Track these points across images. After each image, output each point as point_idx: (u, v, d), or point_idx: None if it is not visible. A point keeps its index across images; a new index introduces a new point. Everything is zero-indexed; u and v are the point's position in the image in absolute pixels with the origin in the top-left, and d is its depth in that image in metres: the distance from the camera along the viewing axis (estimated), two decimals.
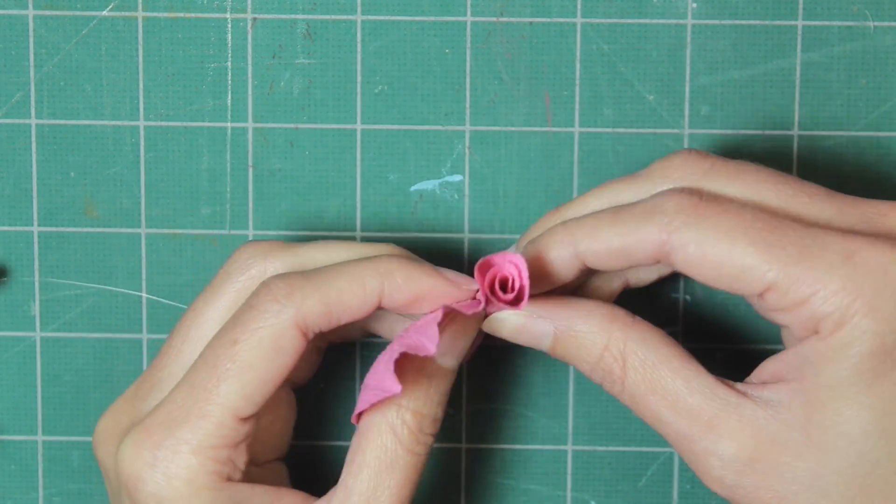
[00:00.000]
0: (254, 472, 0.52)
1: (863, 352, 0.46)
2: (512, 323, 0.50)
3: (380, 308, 0.49)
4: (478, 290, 0.50)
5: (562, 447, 0.58)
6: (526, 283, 0.48)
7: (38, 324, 0.58)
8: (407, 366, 0.49)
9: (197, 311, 0.51)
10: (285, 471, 0.55)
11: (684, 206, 0.47)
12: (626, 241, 0.48)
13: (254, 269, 0.51)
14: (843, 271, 0.46)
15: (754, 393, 0.48)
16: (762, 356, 0.55)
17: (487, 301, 0.49)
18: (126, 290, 0.58)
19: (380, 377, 0.48)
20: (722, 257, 0.47)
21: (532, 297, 0.50)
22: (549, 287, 0.50)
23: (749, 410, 0.48)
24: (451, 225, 0.57)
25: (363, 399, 0.48)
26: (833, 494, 0.47)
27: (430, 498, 0.58)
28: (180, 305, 0.58)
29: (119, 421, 0.52)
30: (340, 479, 0.49)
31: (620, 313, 0.50)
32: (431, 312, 0.49)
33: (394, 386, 0.47)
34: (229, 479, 0.49)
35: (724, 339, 0.58)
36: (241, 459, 0.49)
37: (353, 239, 0.57)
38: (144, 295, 0.58)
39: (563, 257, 0.49)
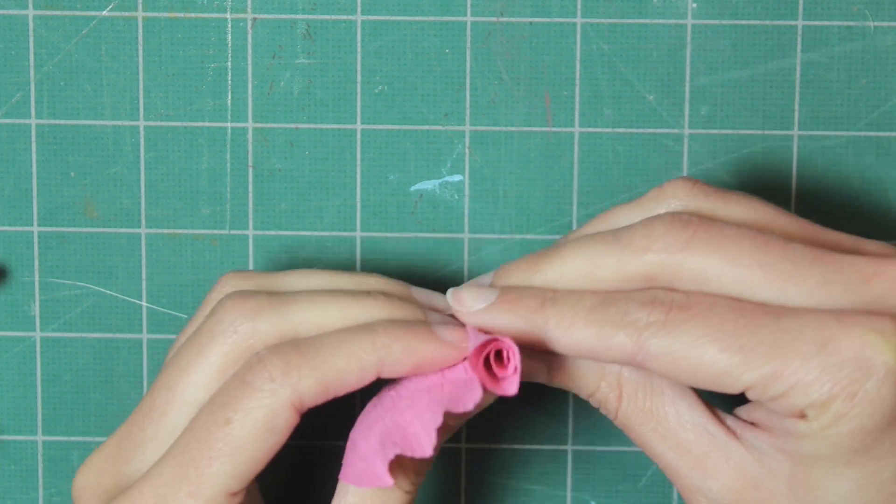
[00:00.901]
0: None
1: (842, 433, 0.46)
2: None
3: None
4: (467, 358, 0.49)
5: (562, 447, 0.58)
6: (519, 368, 0.47)
7: (38, 324, 0.58)
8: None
9: (181, 370, 0.50)
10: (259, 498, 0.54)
11: (654, 318, 0.47)
12: (596, 347, 0.48)
13: (241, 331, 0.49)
14: (818, 361, 0.45)
15: (744, 434, 0.48)
16: None
17: (483, 379, 0.48)
18: (126, 291, 0.58)
19: (371, 458, 0.47)
20: (694, 367, 0.46)
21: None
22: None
23: (737, 452, 0.48)
24: (451, 225, 0.57)
25: (349, 467, 0.48)
26: None
27: (431, 498, 0.58)
28: (180, 312, 0.58)
29: (102, 481, 0.50)
30: None
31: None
32: (461, 365, 0.48)
33: (385, 478, 0.46)
34: None
35: None
36: None
37: (352, 239, 0.57)
38: (144, 295, 0.58)
39: (531, 333, 0.49)
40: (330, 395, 0.48)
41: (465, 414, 0.49)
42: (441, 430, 0.48)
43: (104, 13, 0.57)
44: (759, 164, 0.57)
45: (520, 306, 0.49)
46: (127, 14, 0.57)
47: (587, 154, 0.57)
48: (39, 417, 0.58)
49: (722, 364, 0.46)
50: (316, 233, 0.57)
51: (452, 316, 0.50)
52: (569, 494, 0.58)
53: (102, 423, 0.58)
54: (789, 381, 0.46)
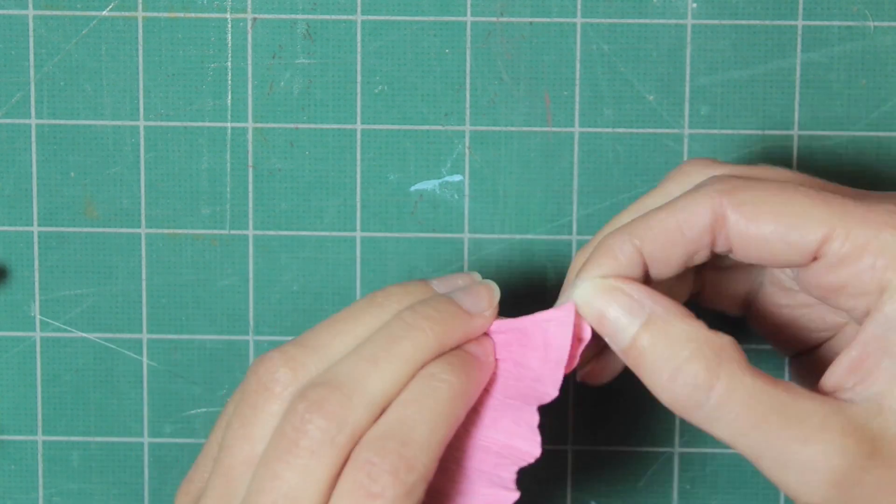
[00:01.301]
0: None
1: None
2: (599, 306, 0.47)
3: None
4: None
5: (562, 447, 0.58)
6: (587, 336, 0.46)
7: (38, 324, 0.58)
8: None
9: (286, 494, 0.45)
10: None
11: (729, 178, 0.46)
12: (680, 221, 0.46)
13: (340, 437, 0.45)
14: None
15: (847, 397, 0.45)
16: (762, 356, 0.55)
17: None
18: (126, 291, 0.58)
19: (490, 486, 0.46)
20: (778, 213, 0.45)
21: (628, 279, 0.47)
22: None
23: (854, 411, 0.45)
24: (451, 225, 0.57)
25: None
26: None
27: None
28: (180, 312, 0.58)
29: None
30: None
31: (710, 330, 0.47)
32: (528, 355, 0.47)
33: (512, 496, 0.45)
34: None
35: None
36: None
37: (352, 239, 0.57)
38: (144, 295, 0.58)
39: (624, 253, 0.47)
40: (440, 457, 0.46)
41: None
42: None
43: (104, 13, 0.57)
44: (759, 164, 0.57)
45: (603, 247, 0.47)
46: (127, 14, 0.57)
47: (587, 154, 0.57)
48: (39, 417, 0.58)
49: (806, 210, 0.45)
50: (316, 233, 0.57)
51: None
52: (569, 494, 0.58)
53: (102, 423, 0.58)
54: (875, 225, 0.44)
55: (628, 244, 0.46)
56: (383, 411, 0.46)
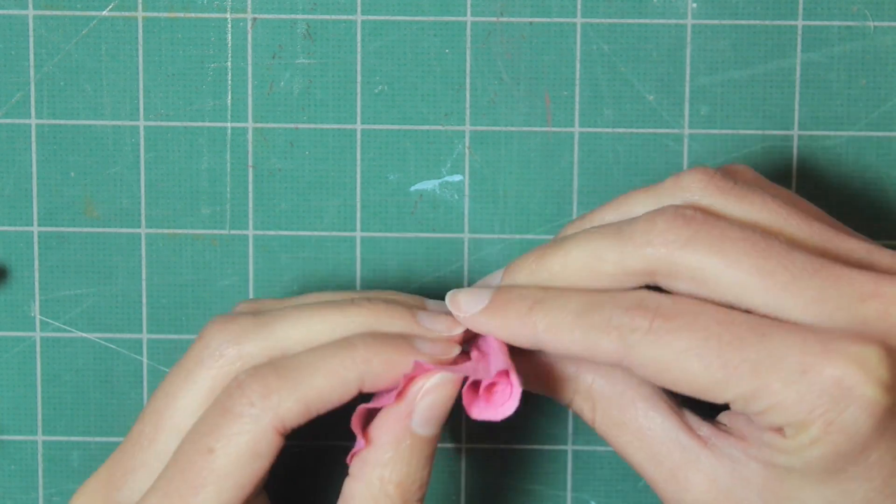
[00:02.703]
0: None
1: (817, 455, 0.46)
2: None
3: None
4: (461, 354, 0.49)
5: (562, 447, 0.58)
6: (515, 389, 0.48)
7: (38, 324, 0.58)
8: (385, 437, 0.48)
9: (170, 396, 0.50)
10: None
11: (639, 324, 0.47)
12: (584, 351, 0.48)
13: (227, 355, 0.49)
14: (798, 387, 0.45)
15: (717, 442, 0.49)
16: None
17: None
18: (126, 291, 0.58)
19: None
20: (677, 378, 0.47)
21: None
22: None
23: (708, 463, 0.48)
24: (451, 225, 0.57)
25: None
26: None
27: (431, 498, 0.58)
28: (180, 312, 0.58)
29: None
30: (349, 471, 0.49)
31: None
32: (492, 346, 0.49)
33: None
34: None
35: None
36: None
37: (352, 239, 0.57)
38: (144, 295, 0.58)
39: (522, 337, 0.49)
40: (312, 415, 0.48)
41: (451, 391, 0.49)
42: (422, 421, 0.48)
43: (104, 13, 0.57)
44: (759, 164, 0.57)
45: (510, 310, 0.49)
46: (127, 14, 0.57)
47: (587, 154, 0.57)
48: (39, 417, 0.58)
49: (704, 379, 0.46)
50: (316, 233, 0.57)
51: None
52: (569, 494, 0.58)
53: (102, 423, 0.58)
54: (769, 401, 0.46)
55: (530, 336, 0.49)
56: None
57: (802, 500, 0.47)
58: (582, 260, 0.49)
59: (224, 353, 0.49)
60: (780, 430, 0.47)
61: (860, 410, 0.45)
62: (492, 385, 0.48)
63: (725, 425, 0.49)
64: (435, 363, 0.48)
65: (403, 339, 0.49)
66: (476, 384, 0.48)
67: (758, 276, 0.47)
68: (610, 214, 0.51)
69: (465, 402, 0.48)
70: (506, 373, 0.48)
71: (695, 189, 0.49)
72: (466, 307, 0.49)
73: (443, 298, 0.58)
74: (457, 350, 0.49)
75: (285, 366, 0.48)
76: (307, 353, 0.48)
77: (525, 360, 0.50)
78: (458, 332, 0.50)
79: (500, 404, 0.48)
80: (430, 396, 0.48)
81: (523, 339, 0.49)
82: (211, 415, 0.48)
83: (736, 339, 0.46)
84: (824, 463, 0.46)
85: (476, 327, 0.49)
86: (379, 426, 0.48)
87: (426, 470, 0.49)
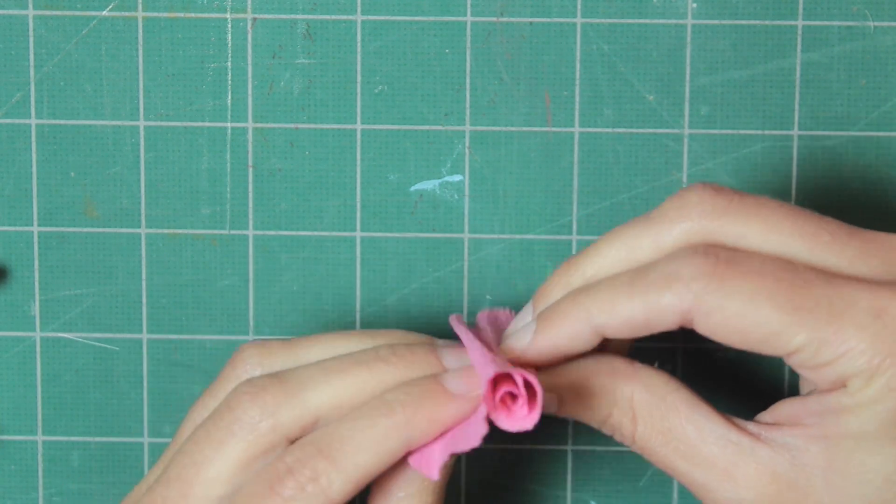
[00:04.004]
0: None
1: (890, 408, 0.45)
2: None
3: None
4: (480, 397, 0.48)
5: (562, 447, 0.58)
6: (539, 398, 0.46)
7: (38, 324, 0.58)
8: (405, 479, 0.48)
9: (199, 465, 0.48)
10: None
11: (703, 270, 0.46)
12: (646, 314, 0.46)
13: (261, 428, 0.47)
14: (872, 331, 0.45)
15: (769, 435, 0.47)
16: (762, 356, 0.55)
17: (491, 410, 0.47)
18: (126, 291, 0.58)
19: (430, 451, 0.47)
20: (747, 323, 0.45)
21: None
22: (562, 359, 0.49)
23: (766, 456, 0.46)
24: (451, 225, 0.57)
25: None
26: None
27: None
28: (180, 312, 0.58)
29: None
30: (368, 501, 0.49)
31: (621, 366, 0.48)
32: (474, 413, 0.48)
33: (434, 473, 0.47)
34: None
35: None
36: None
37: (352, 239, 0.57)
38: (144, 295, 0.58)
39: (580, 334, 0.48)
40: (362, 487, 0.47)
41: (472, 448, 0.48)
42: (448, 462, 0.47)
43: (104, 13, 0.57)
44: (759, 164, 0.57)
45: (557, 320, 0.48)
46: (127, 14, 0.57)
47: (587, 154, 0.57)
48: (39, 417, 0.58)
49: (775, 323, 0.45)
50: (316, 233, 0.57)
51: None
52: (569, 494, 0.58)
53: (102, 423, 0.58)
54: (841, 348, 0.45)
55: (586, 326, 0.47)
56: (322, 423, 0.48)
57: (871, 470, 0.45)
58: (616, 254, 0.48)
59: (257, 427, 0.47)
60: (842, 385, 0.45)
61: None
62: (508, 395, 0.46)
63: (771, 422, 0.48)
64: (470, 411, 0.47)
65: (435, 385, 0.48)
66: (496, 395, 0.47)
67: (800, 237, 0.46)
68: (609, 251, 0.49)
69: (489, 413, 0.46)
70: (511, 378, 0.47)
71: (699, 204, 0.47)
72: (519, 344, 0.48)
73: (443, 298, 0.58)
74: (480, 386, 0.47)
75: (329, 443, 0.47)
76: (347, 426, 0.47)
77: (558, 379, 0.48)
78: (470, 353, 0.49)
79: (521, 415, 0.46)
80: (442, 442, 0.48)
81: (579, 332, 0.47)
82: (258, 495, 0.47)
83: (805, 283, 0.45)
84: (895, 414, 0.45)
85: (538, 355, 0.48)
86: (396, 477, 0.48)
87: (443, 494, 0.50)
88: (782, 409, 0.48)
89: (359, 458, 0.47)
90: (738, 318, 0.45)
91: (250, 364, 0.50)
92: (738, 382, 0.58)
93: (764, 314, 0.45)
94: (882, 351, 0.45)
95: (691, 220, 0.47)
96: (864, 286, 0.46)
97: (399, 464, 0.48)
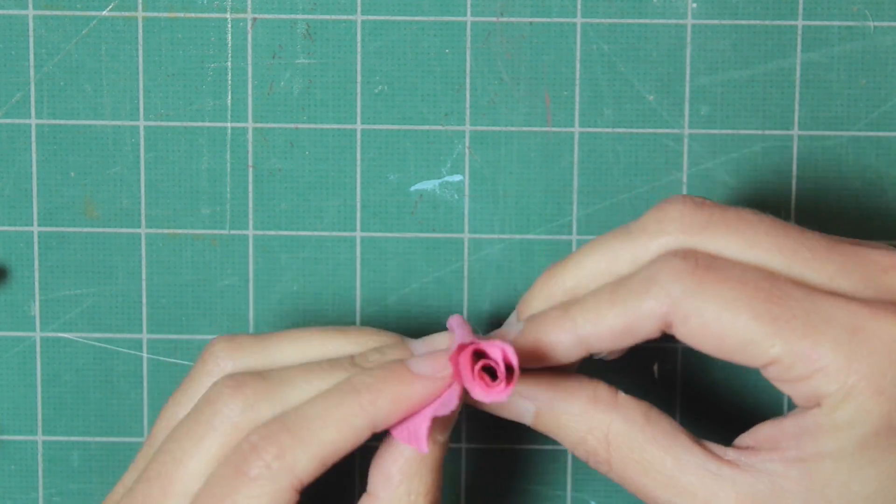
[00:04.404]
0: None
1: (867, 431, 0.45)
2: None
3: None
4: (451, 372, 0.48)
5: (562, 447, 0.58)
6: (516, 375, 0.46)
7: (38, 324, 0.58)
8: (401, 454, 0.48)
9: (178, 461, 0.48)
10: None
11: (681, 273, 0.46)
12: (627, 320, 0.46)
13: (239, 423, 0.48)
14: (848, 349, 0.44)
15: (748, 461, 0.47)
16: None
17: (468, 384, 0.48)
18: (126, 291, 0.58)
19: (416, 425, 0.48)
20: (725, 330, 0.45)
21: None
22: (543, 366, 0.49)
23: (745, 483, 0.46)
24: (451, 225, 0.57)
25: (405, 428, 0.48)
26: None
27: None
28: (180, 312, 0.58)
29: None
30: (368, 489, 0.49)
31: (603, 393, 0.48)
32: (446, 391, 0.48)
33: (422, 444, 0.47)
34: None
35: None
36: None
37: (352, 239, 0.57)
38: (144, 295, 0.58)
39: (565, 343, 0.48)
40: (328, 466, 0.47)
41: (452, 413, 0.48)
42: (434, 428, 0.48)
43: (104, 13, 0.57)
44: (759, 164, 0.57)
45: (545, 324, 0.48)
46: (127, 14, 0.57)
47: (587, 154, 0.57)
48: (39, 417, 0.58)
49: (752, 332, 0.45)
50: (316, 233, 0.57)
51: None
52: (569, 494, 0.58)
53: (102, 423, 0.58)
54: (817, 363, 0.45)
55: (571, 335, 0.47)
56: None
57: (852, 492, 0.45)
58: (596, 266, 0.48)
59: (236, 423, 0.48)
60: (818, 403, 0.45)
61: None
62: (487, 368, 0.47)
63: (748, 446, 0.47)
64: (440, 391, 0.48)
65: (401, 366, 0.48)
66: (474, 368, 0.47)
67: (779, 253, 0.46)
68: (590, 262, 0.49)
69: (465, 384, 0.47)
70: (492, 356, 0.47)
71: (679, 218, 0.48)
72: (506, 337, 0.48)
73: (443, 298, 0.58)
74: (449, 367, 0.48)
75: (295, 421, 0.47)
76: (313, 404, 0.47)
77: (538, 392, 0.49)
78: (450, 344, 0.49)
79: (498, 389, 0.47)
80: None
81: (563, 340, 0.47)
82: (226, 477, 0.47)
83: (784, 294, 0.45)
84: (874, 439, 0.44)
85: (521, 350, 0.47)
86: (392, 443, 0.48)
87: (440, 472, 0.49)
88: (760, 432, 0.47)
89: (324, 434, 0.47)
90: (715, 323, 0.45)
91: (221, 359, 0.50)
92: (738, 382, 0.58)
93: (741, 322, 0.45)
94: (857, 371, 0.44)
95: (670, 234, 0.47)
96: (843, 302, 0.45)
97: (394, 447, 0.48)
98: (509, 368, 0.47)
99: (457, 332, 0.49)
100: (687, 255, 0.46)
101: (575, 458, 0.58)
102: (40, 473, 0.58)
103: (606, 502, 0.58)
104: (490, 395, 0.46)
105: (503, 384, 0.46)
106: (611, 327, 0.47)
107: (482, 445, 0.58)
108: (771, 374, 0.46)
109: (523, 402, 0.49)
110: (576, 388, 0.48)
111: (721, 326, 0.45)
